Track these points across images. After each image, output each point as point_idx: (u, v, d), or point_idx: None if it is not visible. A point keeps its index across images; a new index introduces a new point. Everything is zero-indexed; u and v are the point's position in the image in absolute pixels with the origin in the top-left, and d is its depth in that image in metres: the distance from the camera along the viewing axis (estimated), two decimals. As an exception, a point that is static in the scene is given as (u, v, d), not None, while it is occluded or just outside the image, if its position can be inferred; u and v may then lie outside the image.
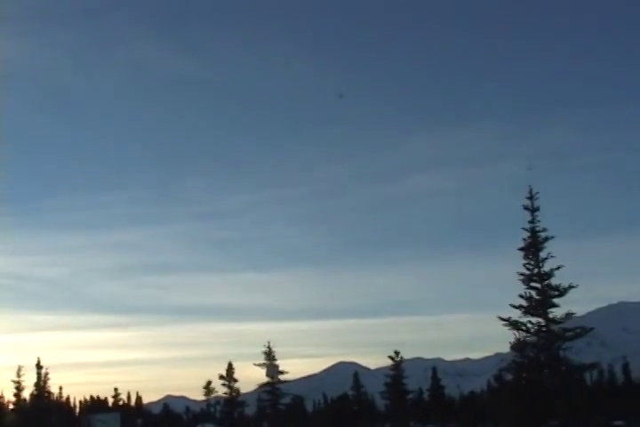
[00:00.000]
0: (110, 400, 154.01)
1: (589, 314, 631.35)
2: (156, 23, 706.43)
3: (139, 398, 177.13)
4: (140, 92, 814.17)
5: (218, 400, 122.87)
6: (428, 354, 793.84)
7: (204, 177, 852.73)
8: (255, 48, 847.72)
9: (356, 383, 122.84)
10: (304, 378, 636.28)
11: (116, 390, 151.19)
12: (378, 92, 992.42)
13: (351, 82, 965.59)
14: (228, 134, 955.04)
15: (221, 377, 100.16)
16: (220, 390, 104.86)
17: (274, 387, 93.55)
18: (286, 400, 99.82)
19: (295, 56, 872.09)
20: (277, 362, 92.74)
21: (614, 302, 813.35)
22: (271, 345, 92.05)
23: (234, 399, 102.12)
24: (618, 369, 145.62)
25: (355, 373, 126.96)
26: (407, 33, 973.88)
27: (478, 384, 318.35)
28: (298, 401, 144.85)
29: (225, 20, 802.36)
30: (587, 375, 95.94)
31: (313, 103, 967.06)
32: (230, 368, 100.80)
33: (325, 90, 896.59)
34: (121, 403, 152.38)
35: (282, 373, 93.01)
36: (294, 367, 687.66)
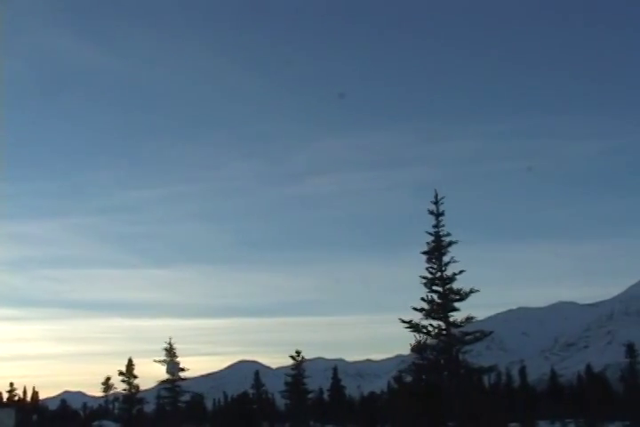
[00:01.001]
0: (5, 395, 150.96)
1: (489, 318, 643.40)
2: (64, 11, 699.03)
3: (35, 394, 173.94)
4: (47, 83, 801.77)
5: (116, 397, 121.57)
6: (329, 354, 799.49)
7: (108, 171, 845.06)
8: (168, 45, 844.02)
9: (257, 382, 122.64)
10: (205, 376, 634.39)
11: (11, 384, 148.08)
12: (286, 94, 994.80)
13: (261, 81, 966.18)
14: (134, 129, 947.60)
15: (121, 373, 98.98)
16: (120, 386, 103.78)
17: (174, 384, 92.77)
18: (186, 398, 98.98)
19: (206, 53, 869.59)
20: (178, 359, 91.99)
21: (514, 307, 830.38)
22: (172, 342, 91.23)
23: (133, 396, 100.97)
24: (515, 372, 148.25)
25: (256, 371, 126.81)
26: (319, 34, 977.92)
27: (378, 385, 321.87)
28: (198, 399, 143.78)
29: (140, 14, 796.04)
30: (485, 378, 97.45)
31: (221, 101, 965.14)
32: (130, 364, 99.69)
33: (236, 88, 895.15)
34: (16, 398, 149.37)
35: (182, 370, 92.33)
36: (195, 365, 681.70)
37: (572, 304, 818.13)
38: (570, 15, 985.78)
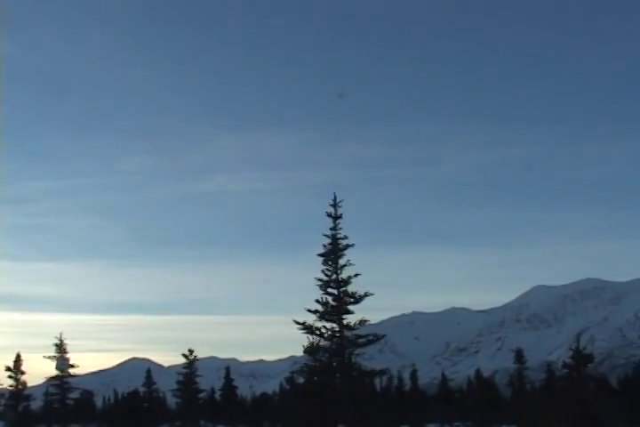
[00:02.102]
0: None
1: (383, 322, 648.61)
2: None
3: None
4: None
5: (2, 393, 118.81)
6: (222, 354, 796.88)
7: (2, 161, 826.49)
8: (75, 37, 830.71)
9: (148, 380, 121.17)
10: (95, 373, 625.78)
11: None
12: (189, 90, 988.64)
13: (164, 77, 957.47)
14: (32, 119, 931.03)
15: (8, 369, 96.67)
16: (6, 382, 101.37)
17: (63, 381, 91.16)
18: (75, 395, 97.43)
19: (109, 47, 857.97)
20: (68, 355, 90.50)
21: (407, 311, 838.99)
22: (63, 337, 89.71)
23: (19, 393, 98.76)
24: (406, 376, 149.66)
25: (147, 369, 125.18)
26: (219, 29, 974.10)
27: (271, 386, 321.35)
28: (87, 396, 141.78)
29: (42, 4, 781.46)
30: (377, 381, 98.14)
31: (123, 94, 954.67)
32: (18, 360, 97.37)
33: (139, 82, 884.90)
34: None
35: (72, 366, 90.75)
36: (86, 361, 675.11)
37: (465, 310, 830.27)
38: (471, 25, 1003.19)
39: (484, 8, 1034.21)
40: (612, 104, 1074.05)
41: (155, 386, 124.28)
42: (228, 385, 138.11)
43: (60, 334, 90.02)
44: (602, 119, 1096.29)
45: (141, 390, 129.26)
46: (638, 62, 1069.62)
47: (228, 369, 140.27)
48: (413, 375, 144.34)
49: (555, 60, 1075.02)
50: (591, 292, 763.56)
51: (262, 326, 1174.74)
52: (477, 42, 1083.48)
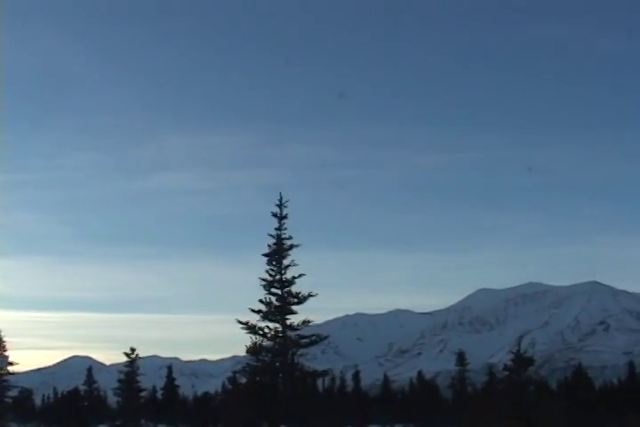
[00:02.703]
0: None
1: (327, 323, 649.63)
2: None
3: None
4: None
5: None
6: (165, 353, 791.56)
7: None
8: (19, 32, 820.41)
9: (89, 379, 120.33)
10: (35, 371, 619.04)
11: None
12: (135, 87, 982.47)
13: (110, 72, 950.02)
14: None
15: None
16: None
17: (1, 379, 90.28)
18: (14, 393, 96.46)
19: (56, 40, 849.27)
20: (7, 353, 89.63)
21: (351, 312, 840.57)
22: (2, 334, 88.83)
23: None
24: (349, 377, 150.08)
25: (89, 368, 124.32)
26: (161, 31, 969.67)
27: (213, 385, 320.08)
28: (26, 395, 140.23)
29: None
30: (319, 382, 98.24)
31: (68, 89, 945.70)
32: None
33: (84, 77, 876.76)
34: None
35: (11, 364, 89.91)
36: (25, 359, 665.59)
37: (409, 312, 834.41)
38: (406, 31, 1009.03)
39: (418, 12, 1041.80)
40: (559, 110, 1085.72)
41: (95, 385, 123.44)
42: (170, 384, 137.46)
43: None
44: (548, 125, 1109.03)
45: (82, 388, 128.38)
46: (585, 71, 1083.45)
47: (170, 368, 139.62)
48: (356, 376, 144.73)
49: (499, 66, 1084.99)
50: (533, 296, 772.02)
51: (205, 326, 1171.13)
52: (423, 46, 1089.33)
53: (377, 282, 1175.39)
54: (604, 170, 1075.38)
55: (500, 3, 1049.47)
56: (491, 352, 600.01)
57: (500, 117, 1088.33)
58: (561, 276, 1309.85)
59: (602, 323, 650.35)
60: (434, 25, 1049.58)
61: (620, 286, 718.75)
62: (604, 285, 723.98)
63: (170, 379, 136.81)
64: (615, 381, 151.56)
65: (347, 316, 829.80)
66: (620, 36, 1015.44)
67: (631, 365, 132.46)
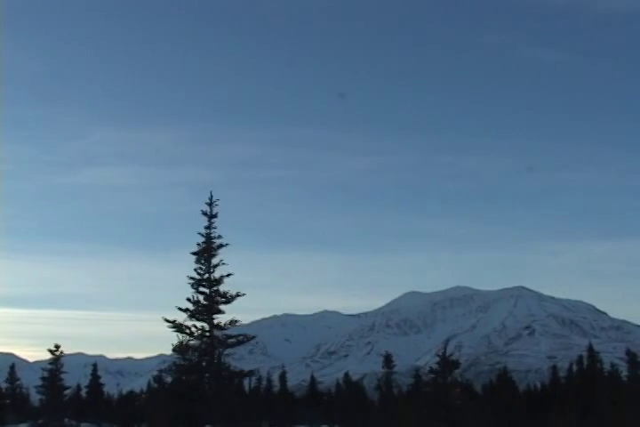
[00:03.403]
0: None
1: (255, 323, 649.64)
2: None
3: None
4: None
5: None
6: (90, 350, 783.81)
7: None
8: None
9: (12, 376, 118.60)
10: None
11: None
12: (70, 79, 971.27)
13: (42, 64, 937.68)
14: None
15: None
16: None
17: None
18: None
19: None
20: None
21: (279, 313, 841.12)
22: None
23: None
24: (276, 377, 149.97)
25: (11, 365, 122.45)
26: (88, 23, 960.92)
27: (139, 384, 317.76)
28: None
29: None
30: (246, 382, 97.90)
31: (3, 79, 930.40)
32: None
33: (12, 68, 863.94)
34: None
35: None
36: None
37: (337, 314, 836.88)
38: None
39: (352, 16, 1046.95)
40: (488, 117, 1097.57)
41: (18, 382, 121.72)
42: (95, 382, 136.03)
43: None
44: (476, 131, 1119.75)
45: (4, 385, 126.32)
46: (511, 78, 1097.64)
47: (96, 366, 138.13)
48: (282, 377, 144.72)
49: (431, 71, 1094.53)
50: (461, 300, 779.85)
51: (132, 323, 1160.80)
52: (350, 49, 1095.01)
53: (305, 283, 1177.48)
54: (532, 177, 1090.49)
55: (429, 8, 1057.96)
56: (417, 355, 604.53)
57: (431, 122, 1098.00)
58: (489, 280, 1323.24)
59: (527, 328, 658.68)
60: (367, 27, 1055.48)
61: (546, 291, 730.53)
62: (530, 290, 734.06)
63: (95, 377, 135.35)
64: (538, 384, 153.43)
65: (275, 316, 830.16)
66: (548, 46, 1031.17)
67: (554, 369, 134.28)
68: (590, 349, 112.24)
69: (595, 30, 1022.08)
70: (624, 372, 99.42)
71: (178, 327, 44.61)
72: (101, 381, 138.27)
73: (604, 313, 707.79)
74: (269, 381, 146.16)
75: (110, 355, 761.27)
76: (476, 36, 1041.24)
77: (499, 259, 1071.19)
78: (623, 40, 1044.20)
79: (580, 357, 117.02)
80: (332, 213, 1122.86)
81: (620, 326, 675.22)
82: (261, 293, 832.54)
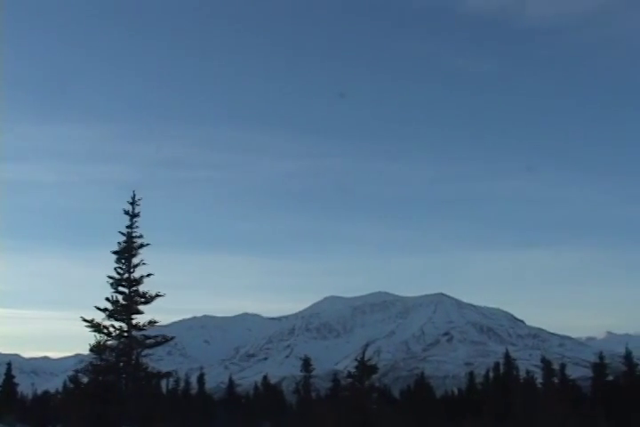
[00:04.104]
0: None
1: (174, 324, 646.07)
2: None
3: None
4: None
5: None
6: (4, 349, 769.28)
7: None
8: None
9: None
10: None
11: None
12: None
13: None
14: None
15: None
16: None
17: None
18: None
19: None
20: None
21: (199, 314, 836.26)
22: None
23: None
24: (194, 379, 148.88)
25: None
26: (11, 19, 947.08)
27: (54, 384, 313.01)
28: None
29: None
30: (163, 383, 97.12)
31: None
32: None
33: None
34: None
35: None
36: None
37: (257, 316, 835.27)
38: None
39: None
40: (419, 122, 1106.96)
41: None
42: (9, 382, 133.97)
43: None
44: (402, 137, 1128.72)
45: None
46: (438, 87, 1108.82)
47: (10, 365, 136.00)
48: (201, 379, 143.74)
49: (357, 78, 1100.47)
50: (381, 305, 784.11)
51: (49, 322, 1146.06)
52: (290, 51, 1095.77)
53: (226, 285, 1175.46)
54: (455, 185, 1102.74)
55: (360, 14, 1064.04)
56: (336, 359, 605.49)
57: (356, 127, 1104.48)
58: (409, 287, 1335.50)
59: (446, 334, 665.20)
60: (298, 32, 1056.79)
61: (465, 298, 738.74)
62: (450, 297, 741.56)
63: (8, 376, 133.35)
64: (455, 390, 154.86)
65: (194, 318, 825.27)
66: (477, 57, 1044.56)
67: (471, 375, 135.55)
68: (507, 356, 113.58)
69: (519, 44, 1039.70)
70: (539, 379, 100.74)
71: (96, 327, 44.09)
72: (16, 380, 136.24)
73: (521, 321, 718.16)
74: (187, 382, 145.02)
75: (25, 354, 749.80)
76: (405, 44, 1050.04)
77: (419, 265, 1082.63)
78: (546, 54, 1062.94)
79: (497, 363, 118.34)
80: (254, 215, 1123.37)
81: (537, 334, 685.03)
82: (181, 294, 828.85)
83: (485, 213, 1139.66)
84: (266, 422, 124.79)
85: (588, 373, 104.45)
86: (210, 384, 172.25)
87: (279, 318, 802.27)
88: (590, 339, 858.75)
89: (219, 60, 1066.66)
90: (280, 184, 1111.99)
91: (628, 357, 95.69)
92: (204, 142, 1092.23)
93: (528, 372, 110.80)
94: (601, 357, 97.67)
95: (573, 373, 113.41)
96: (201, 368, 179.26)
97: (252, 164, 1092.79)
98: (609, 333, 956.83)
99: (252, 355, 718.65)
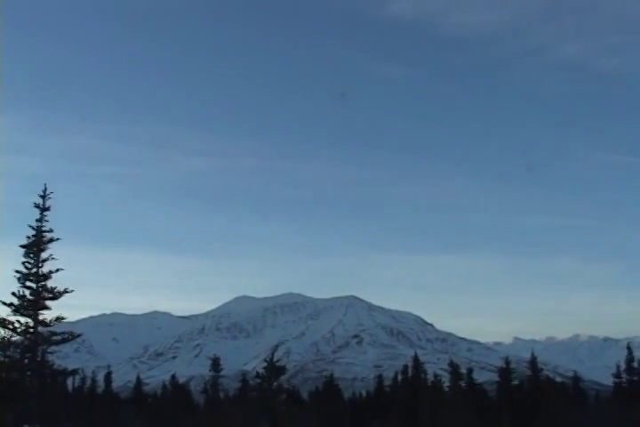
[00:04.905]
0: None
1: (82, 321, 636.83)
2: None
3: None
4: None
5: None
6: None
7: None
8: None
9: None
10: None
11: None
12: None
13: None
14: None
15: None
16: None
17: None
18: None
19: None
20: None
21: (108, 311, 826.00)
22: None
23: None
24: (101, 377, 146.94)
25: None
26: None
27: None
28: None
29: None
30: (69, 381, 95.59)
31: None
32: None
33: None
34: None
35: None
36: None
37: (167, 315, 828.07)
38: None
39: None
40: (326, 127, 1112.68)
41: None
42: None
43: None
44: (317, 140, 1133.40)
45: None
46: (355, 90, 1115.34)
47: None
48: (108, 377, 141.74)
49: (272, 78, 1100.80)
50: (292, 306, 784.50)
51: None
52: (209, 49, 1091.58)
53: (137, 283, 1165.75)
54: (367, 188, 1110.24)
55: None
56: (246, 359, 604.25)
57: (271, 128, 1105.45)
58: (321, 288, 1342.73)
59: (356, 336, 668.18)
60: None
61: (376, 301, 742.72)
62: (361, 300, 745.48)
63: None
64: (364, 392, 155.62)
65: (103, 315, 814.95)
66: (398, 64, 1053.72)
67: (380, 378, 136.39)
68: (415, 359, 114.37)
69: (437, 51, 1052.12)
70: (446, 382, 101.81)
71: (0, 322, 43.16)
72: None
73: (431, 325, 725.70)
74: (94, 381, 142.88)
75: None
76: (320, 47, 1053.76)
77: (332, 268, 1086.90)
78: (462, 62, 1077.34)
79: (406, 366, 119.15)
80: (167, 213, 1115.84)
81: (445, 339, 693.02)
82: (91, 290, 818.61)
83: (398, 218, 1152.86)
84: (173, 421, 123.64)
85: (495, 377, 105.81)
86: (117, 383, 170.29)
87: (189, 317, 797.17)
88: (498, 344, 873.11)
89: (133, 57, 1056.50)
90: (193, 182, 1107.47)
91: (533, 362, 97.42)
92: (116, 138, 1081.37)
93: (436, 375, 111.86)
94: (507, 362, 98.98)
95: (480, 377, 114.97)
96: (108, 367, 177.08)
97: (164, 161, 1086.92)
98: (516, 338, 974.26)
99: (161, 354, 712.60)
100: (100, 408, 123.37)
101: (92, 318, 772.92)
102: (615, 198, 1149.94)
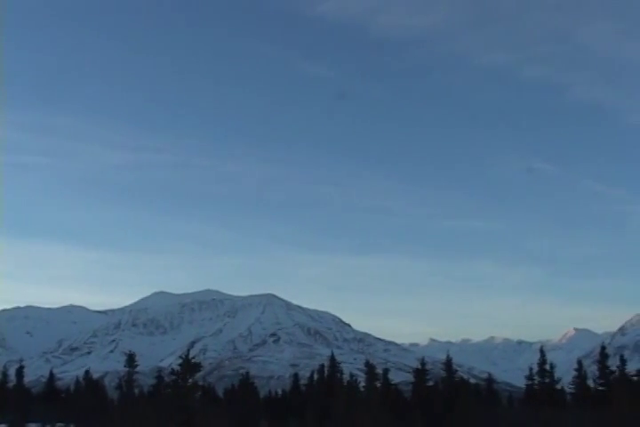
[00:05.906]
0: None
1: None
2: None
3: None
4: None
5: None
6: None
7: None
8: None
9: None
10: None
11: None
12: None
13: None
14: None
15: None
16: None
17: None
18: None
19: None
20: None
21: (22, 305, 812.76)
22: None
23: None
24: (13, 372, 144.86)
25: None
26: None
27: None
28: None
29: None
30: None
31: None
32: None
33: None
34: None
35: None
36: None
37: (83, 309, 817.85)
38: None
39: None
40: (248, 125, 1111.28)
41: None
42: None
43: None
44: (238, 137, 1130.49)
45: None
46: (281, 90, 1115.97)
47: None
48: (20, 372, 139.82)
49: (200, 77, 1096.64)
50: (209, 303, 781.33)
51: None
52: (126, 47, 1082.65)
53: (52, 276, 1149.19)
54: (286, 187, 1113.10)
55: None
56: (162, 356, 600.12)
57: (192, 124, 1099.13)
58: (239, 286, 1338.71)
59: (273, 335, 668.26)
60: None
61: (294, 300, 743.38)
62: (279, 298, 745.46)
63: None
64: (280, 391, 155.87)
65: (17, 308, 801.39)
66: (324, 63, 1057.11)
67: (296, 376, 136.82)
68: (332, 359, 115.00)
69: (365, 52, 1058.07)
70: (362, 382, 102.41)
71: None
72: None
73: (349, 325, 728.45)
74: (5, 375, 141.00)
75: None
76: (251, 46, 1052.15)
77: (250, 266, 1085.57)
78: (390, 64, 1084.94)
79: (322, 366, 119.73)
80: (84, 206, 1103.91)
81: (363, 339, 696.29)
82: (4, 282, 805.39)
83: (320, 218, 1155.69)
84: (86, 417, 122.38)
85: (411, 378, 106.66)
86: (29, 378, 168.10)
87: (105, 312, 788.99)
88: (414, 345, 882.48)
89: (52, 49, 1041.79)
90: (111, 175, 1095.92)
91: (448, 363, 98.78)
92: (32, 128, 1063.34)
93: (352, 375, 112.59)
94: (422, 363, 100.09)
95: (396, 377, 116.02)
96: (21, 360, 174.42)
97: (81, 153, 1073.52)
98: (432, 340, 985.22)
99: (76, 348, 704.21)
100: (10, 403, 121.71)
101: (5, 311, 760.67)
102: (533, 204, 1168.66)
